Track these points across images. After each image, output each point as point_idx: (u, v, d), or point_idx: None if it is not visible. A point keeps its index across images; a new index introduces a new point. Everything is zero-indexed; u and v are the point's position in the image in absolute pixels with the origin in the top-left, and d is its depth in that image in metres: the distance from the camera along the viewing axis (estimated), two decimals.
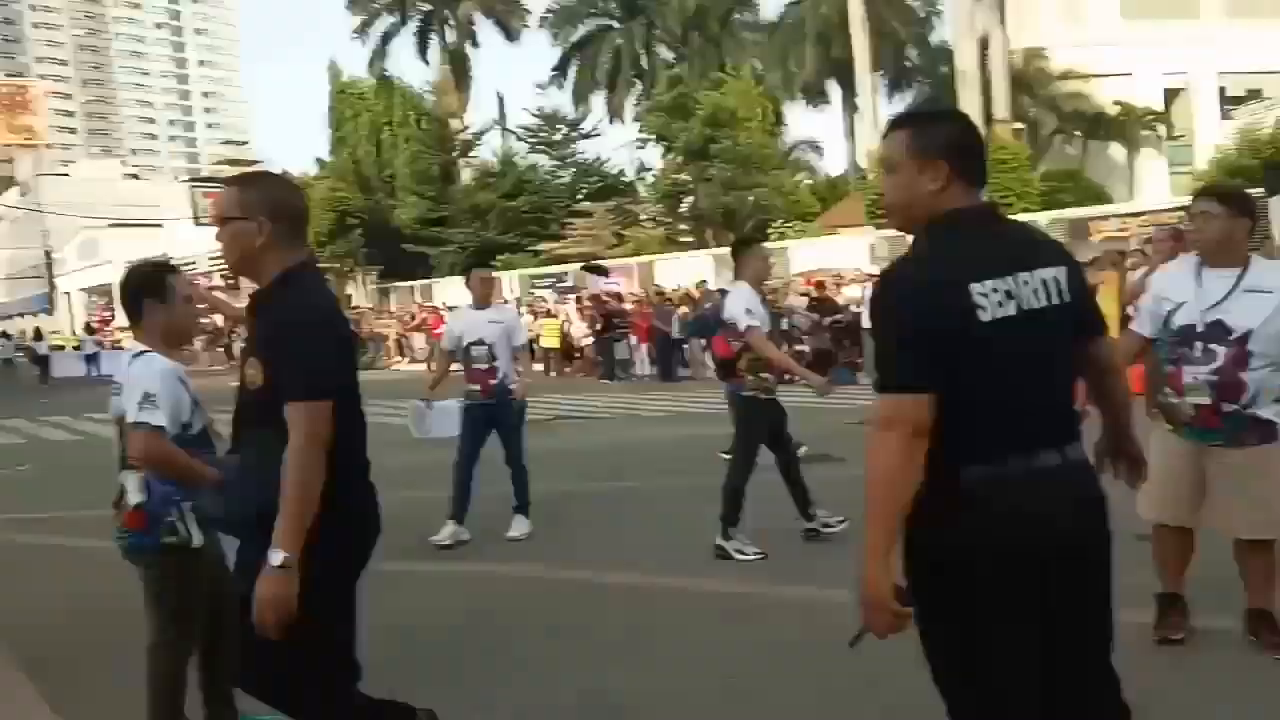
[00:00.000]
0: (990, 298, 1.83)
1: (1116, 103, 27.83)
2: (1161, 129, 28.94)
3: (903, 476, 1.79)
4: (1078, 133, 28.83)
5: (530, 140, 35.80)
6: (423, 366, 24.08)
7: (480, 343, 5.86)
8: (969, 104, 22.96)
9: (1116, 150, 29.22)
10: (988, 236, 1.94)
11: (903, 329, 1.86)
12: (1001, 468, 1.83)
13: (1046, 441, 1.88)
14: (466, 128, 36.37)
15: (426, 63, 38.51)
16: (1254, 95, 28.95)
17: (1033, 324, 1.85)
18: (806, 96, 34.36)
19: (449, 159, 35.10)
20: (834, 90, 34.40)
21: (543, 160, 35.39)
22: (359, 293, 34.29)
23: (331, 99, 37.58)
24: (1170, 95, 30.01)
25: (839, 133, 44.19)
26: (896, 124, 2.05)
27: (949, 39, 27.48)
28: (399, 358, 26.82)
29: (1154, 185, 27.03)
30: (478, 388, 5.87)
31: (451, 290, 29.68)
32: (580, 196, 33.00)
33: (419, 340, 25.94)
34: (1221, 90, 30.37)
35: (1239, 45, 28.00)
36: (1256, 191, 12.81)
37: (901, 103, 32.59)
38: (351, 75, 37.93)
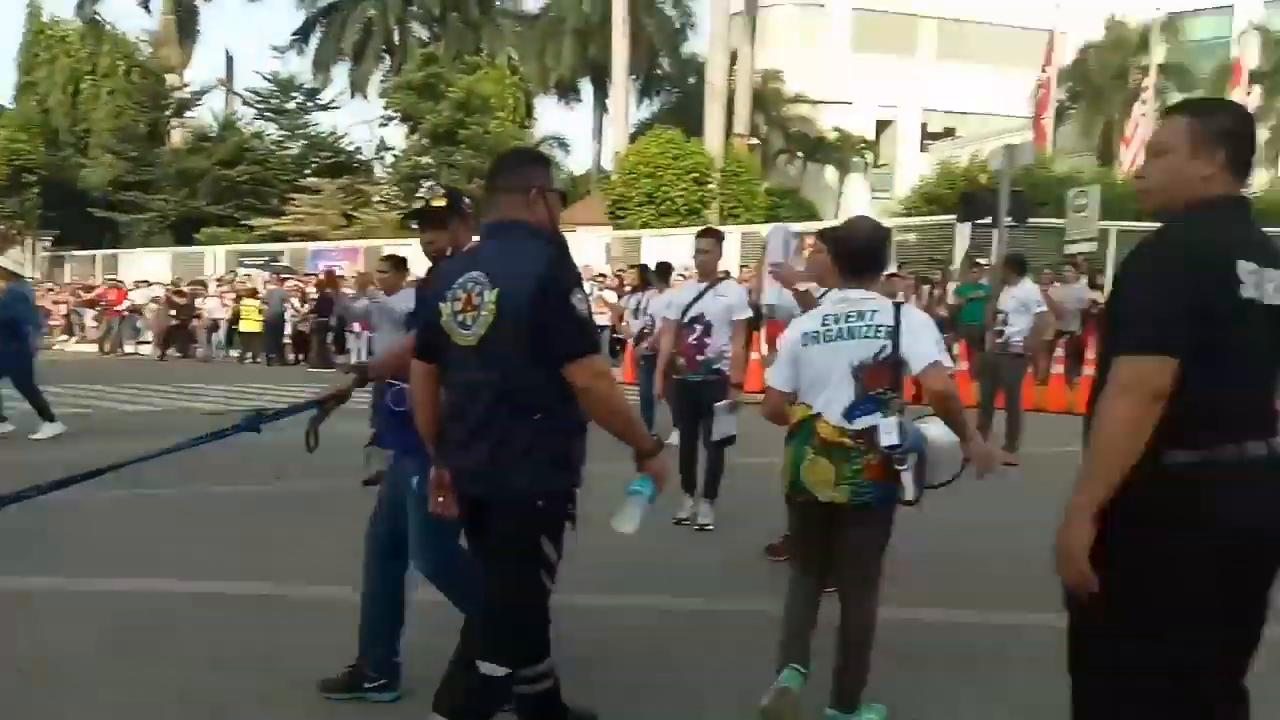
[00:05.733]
0: (1249, 278, 1.87)
1: (835, 129, 30.42)
2: (870, 156, 31.96)
3: (1134, 443, 1.81)
4: (800, 154, 31.17)
5: (258, 105, 33.16)
6: (93, 347, 21.64)
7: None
8: (714, 116, 24.05)
9: (830, 173, 31.92)
10: (1244, 226, 1.99)
11: (1166, 294, 1.84)
12: (1211, 454, 1.86)
13: (1255, 433, 1.91)
14: (186, 85, 33.00)
15: (148, 11, 34.41)
16: (950, 133, 32.84)
17: (1268, 319, 1.90)
18: (559, 92, 34.44)
19: (159, 117, 31.88)
20: (586, 89, 34.74)
21: (270, 128, 32.99)
22: (28, 260, 30.05)
23: (25, 39, 33.42)
24: (881, 126, 33.28)
25: (587, 131, 44.77)
26: (1177, 109, 2.11)
27: (703, 51, 28.40)
28: (65, 336, 23.36)
29: (857, 208, 29.74)
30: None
31: (145, 262, 27.00)
32: (309, 172, 30.97)
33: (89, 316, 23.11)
34: (924, 126, 34.15)
35: (943, 86, 31.60)
36: (949, 217, 14.68)
37: (650, 109, 33.41)
38: (55, 16, 33.78)
